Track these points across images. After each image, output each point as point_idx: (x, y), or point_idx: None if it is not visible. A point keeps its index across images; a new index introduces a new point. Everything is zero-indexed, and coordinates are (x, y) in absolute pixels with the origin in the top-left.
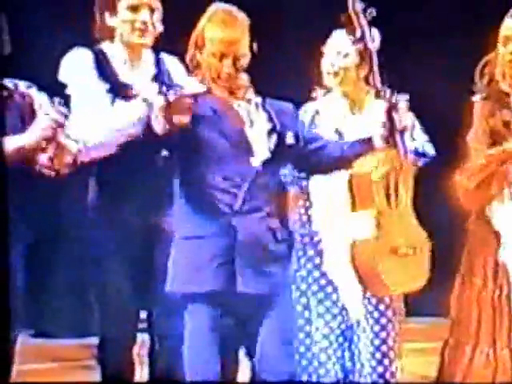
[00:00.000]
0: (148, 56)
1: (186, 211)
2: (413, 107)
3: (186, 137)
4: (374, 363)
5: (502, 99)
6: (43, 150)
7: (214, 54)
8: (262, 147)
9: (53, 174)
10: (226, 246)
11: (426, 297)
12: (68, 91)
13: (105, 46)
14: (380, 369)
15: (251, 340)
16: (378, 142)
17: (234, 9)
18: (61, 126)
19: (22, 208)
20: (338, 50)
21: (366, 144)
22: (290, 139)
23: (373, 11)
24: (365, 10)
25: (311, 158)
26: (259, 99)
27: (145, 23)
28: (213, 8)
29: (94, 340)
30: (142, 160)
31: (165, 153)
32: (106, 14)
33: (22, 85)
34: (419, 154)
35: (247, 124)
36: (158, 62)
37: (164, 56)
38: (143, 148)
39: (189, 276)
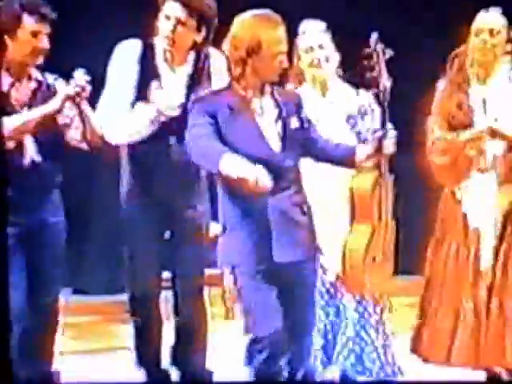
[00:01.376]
0: (191, 56)
1: (223, 199)
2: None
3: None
4: (356, 315)
5: (461, 86)
6: (70, 126)
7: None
8: (272, 133)
9: (85, 146)
10: (264, 224)
11: (409, 258)
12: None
13: (156, 39)
14: (362, 321)
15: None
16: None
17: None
18: (83, 95)
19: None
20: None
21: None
22: (294, 124)
23: (391, 52)
24: (384, 51)
25: (312, 142)
26: (269, 88)
27: (173, 32)
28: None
29: (126, 296)
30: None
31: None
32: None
33: (50, 77)
34: None
35: (258, 113)
36: (200, 59)
37: (211, 51)
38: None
39: (235, 256)
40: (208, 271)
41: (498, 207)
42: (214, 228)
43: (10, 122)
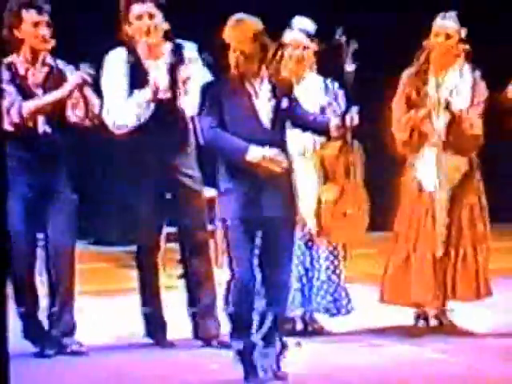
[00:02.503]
0: (166, 48)
1: (221, 166)
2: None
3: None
4: (327, 263)
5: (422, 75)
6: (76, 105)
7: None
8: (265, 112)
9: (88, 123)
10: (256, 185)
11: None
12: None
13: (133, 45)
14: (332, 267)
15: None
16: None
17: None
18: (87, 83)
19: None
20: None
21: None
22: (284, 103)
23: (355, 44)
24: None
25: (297, 117)
26: (266, 72)
27: (148, 27)
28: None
29: (134, 247)
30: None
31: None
32: (127, 26)
33: (61, 63)
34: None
35: (255, 95)
36: (176, 50)
37: (181, 42)
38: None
39: (230, 210)
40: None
41: (448, 174)
42: (208, 192)
43: (28, 106)
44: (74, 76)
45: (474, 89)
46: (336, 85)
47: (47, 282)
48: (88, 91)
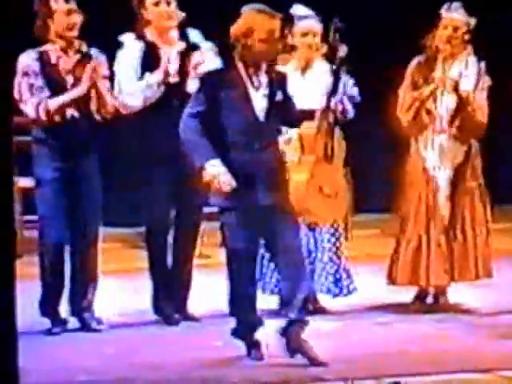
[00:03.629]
0: (176, 34)
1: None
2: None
3: (211, 96)
4: (329, 245)
5: (431, 64)
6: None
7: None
8: (259, 104)
9: (100, 118)
10: (251, 174)
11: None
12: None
13: (148, 31)
14: (333, 249)
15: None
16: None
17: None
18: (102, 76)
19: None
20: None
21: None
22: (279, 97)
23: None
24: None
25: (290, 112)
26: (265, 67)
27: (167, 13)
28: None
29: (143, 228)
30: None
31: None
32: (143, 12)
33: (94, 51)
34: (351, 97)
35: (253, 88)
36: (186, 37)
37: (190, 31)
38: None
39: (225, 196)
40: (208, 209)
41: (449, 159)
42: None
43: (53, 104)
44: (87, 71)
45: (480, 74)
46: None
47: (71, 266)
48: (103, 87)
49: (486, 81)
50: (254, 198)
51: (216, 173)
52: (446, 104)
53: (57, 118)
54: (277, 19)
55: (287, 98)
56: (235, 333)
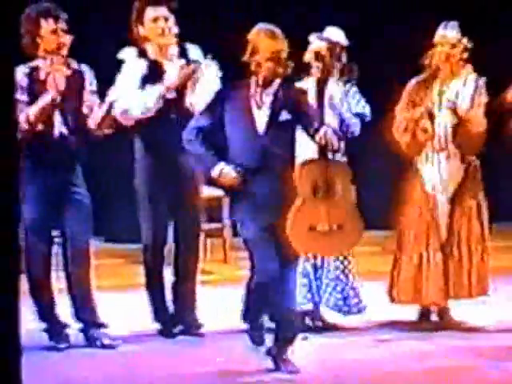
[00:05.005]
0: (174, 50)
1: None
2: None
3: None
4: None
5: (428, 83)
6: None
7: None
8: (262, 122)
9: (101, 133)
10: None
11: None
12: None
13: (144, 45)
14: (341, 267)
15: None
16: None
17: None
18: (90, 91)
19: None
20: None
21: None
22: (284, 116)
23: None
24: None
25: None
26: (277, 84)
27: (163, 29)
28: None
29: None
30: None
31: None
32: (140, 27)
33: (84, 66)
34: (359, 114)
35: (254, 105)
36: (184, 52)
37: (189, 46)
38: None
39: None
40: (211, 225)
41: (449, 177)
42: (207, 190)
43: (30, 112)
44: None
45: (476, 92)
46: (348, 85)
47: (66, 279)
48: (91, 102)
49: (483, 98)
50: (254, 217)
51: (221, 168)
52: (444, 122)
53: (39, 127)
54: (279, 39)
55: (297, 117)
56: (269, 352)
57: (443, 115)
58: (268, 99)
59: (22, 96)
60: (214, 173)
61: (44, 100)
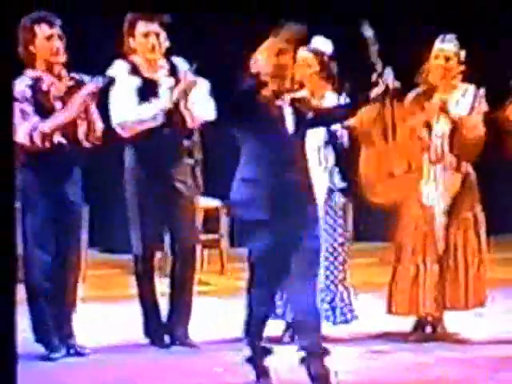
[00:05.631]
0: (163, 63)
1: (249, 160)
2: None
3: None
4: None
5: (428, 95)
6: (77, 126)
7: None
8: (290, 120)
9: (89, 145)
10: (277, 185)
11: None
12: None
13: (134, 57)
14: (331, 277)
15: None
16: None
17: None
18: (91, 102)
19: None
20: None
21: None
22: (310, 115)
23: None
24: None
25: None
26: (288, 98)
27: (153, 45)
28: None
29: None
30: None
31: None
32: (130, 39)
33: (86, 78)
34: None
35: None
36: (172, 66)
37: (176, 60)
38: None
39: (247, 208)
40: (208, 236)
41: (446, 189)
42: (204, 201)
43: (45, 128)
44: (79, 95)
45: (475, 101)
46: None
47: (52, 287)
48: (94, 113)
49: (483, 106)
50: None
51: None
52: (442, 131)
53: (47, 144)
54: (284, 55)
55: (316, 116)
56: (250, 360)
57: (441, 123)
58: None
59: (27, 107)
60: None
61: (62, 118)
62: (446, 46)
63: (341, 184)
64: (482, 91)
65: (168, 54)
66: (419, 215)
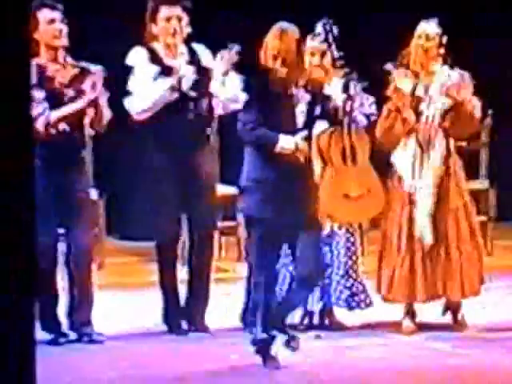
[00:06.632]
0: (183, 48)
1: (254, 160)
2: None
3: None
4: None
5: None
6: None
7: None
8: (301, 115)
9: (93, 132)
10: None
11: None
12: (131, 73)
13: (154, 44)
14: (350, 263)
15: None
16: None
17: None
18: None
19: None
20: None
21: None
22: (317, 111)
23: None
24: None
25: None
26: (302, 82)
27: (175, 29)
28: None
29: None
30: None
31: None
32: (152, 25)
33: (92, 66)
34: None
35: (294, 100)
36: (191, 51)
37: (195, 46)
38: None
39: (254, 207)
40: (225, 223)
41: (433, 177)
42: (221, 188)
43: (53, 116)
44: (88, 84)
45: (463, 81)
46: (354, 83)
47: (67, 276)
48: (103, 101)
49: (471, 88)
50: (282, 209)
51: (296, 141)
52: (432, 115)
53: (52, 131)
54: (287, 39)
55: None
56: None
57: (434, 104)
58: (302, 93)
59: (36, 93)
60: (285, 146)
61: (72, 107)
62: (429, 26)
63: None
64: (467, 74)
65: (189, 41)
66: (404, 203)
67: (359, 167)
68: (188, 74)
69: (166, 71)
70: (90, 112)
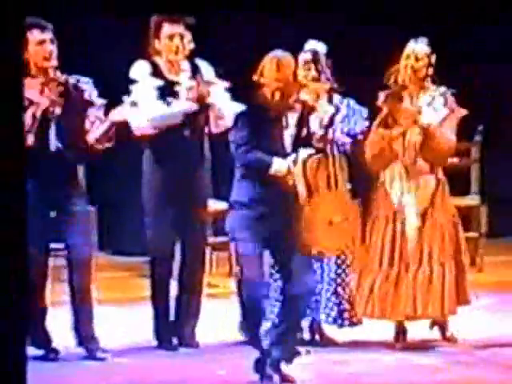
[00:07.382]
0: (185, 65)
1: (245, 182)
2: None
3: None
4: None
5: (399, 96)
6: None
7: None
8: (289, 139)
9: (100, 148)
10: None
11: None
12: (133, 87)
13: (157, 59)
14: (338, 280)
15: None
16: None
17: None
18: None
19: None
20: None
21: None
22: (303, 133)
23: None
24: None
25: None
26: (297, 106)
27: (177, 47)
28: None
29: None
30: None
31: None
32: (156, 41)
33: (83, 81)
34: (351, 135)
35: (284, 126)
36: (194, 67)
37: (198, 61)
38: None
39: (241, 229)
40: (216, 239)
41: (418, 194)
42: (214, 204)
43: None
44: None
45: (446, 105)
46: (340, 99)
47: (70, 291)
48: (92, 116)
49: (457, 112)
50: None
51: (288, 165)
52: (414, 139)
53: (31, 141)
54: (284, 69)
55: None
56: (257, 366)
57: (413, 133)
58: (293, 118)
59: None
60: (278, 169)
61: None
62: (418, 46)
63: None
64: (451, 92)
65: (192, 57)
66: (390, 218)
67: (339, 192)
68: (189, 90)
69: (168, 87)
70: (88, 126)
